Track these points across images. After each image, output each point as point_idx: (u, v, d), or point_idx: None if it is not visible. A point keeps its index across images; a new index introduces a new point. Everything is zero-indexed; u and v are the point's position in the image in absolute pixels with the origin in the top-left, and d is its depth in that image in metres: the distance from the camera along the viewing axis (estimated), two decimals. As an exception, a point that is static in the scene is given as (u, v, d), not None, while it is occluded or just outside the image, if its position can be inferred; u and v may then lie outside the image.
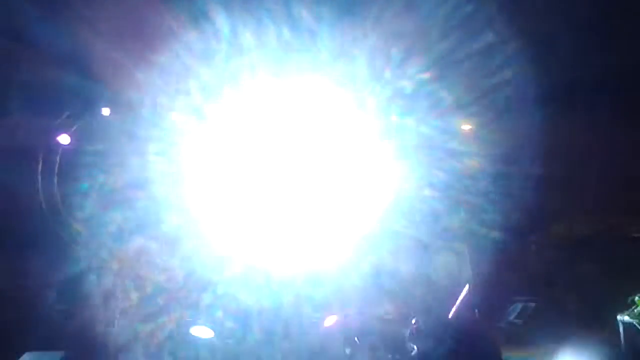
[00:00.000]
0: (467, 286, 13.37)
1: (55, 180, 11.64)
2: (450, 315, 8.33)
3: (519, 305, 9.75)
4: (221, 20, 10.81)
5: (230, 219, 10.88)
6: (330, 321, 8.41)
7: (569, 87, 13.67)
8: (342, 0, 11.12)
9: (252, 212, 10.98)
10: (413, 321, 8.27)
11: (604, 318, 10.03)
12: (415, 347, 7.39)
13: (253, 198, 10.99)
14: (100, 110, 11.97)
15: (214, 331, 9.57)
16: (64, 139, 11.80)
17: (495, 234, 13.44)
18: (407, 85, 12.11)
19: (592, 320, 10.50)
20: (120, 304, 10.10)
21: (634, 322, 8.54)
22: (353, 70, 11.73)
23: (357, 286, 10.23)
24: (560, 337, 9.40)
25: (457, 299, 12.10)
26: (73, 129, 11.92)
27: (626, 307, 8.81)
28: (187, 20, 11.00)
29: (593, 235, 12.84)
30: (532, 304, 9.56)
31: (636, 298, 8.84)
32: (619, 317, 8.58)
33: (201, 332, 9.74)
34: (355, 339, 7.83)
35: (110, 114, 12.01)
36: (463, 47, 11.48)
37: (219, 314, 9.02)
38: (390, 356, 7.39)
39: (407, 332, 8.00)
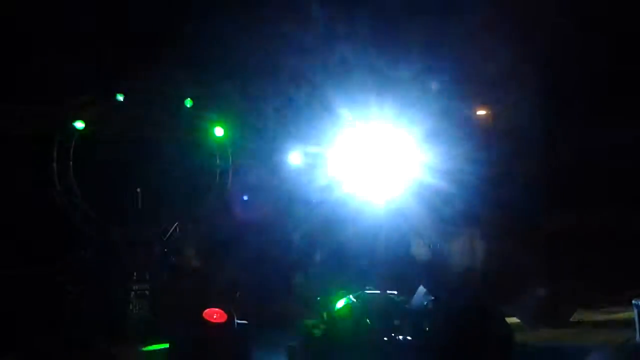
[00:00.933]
0: (480, 270, 13.38)
1: (70, 164, 11.75)
2: (463, 298, 8.30)
3: (532, 290, 9.73)
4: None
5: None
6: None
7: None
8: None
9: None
10: (426, 302, 8.30)
11: (619, 302, 10.03)
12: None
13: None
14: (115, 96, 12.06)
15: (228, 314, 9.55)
16: (79, 124, 11.91)
17: (509, 221, 13.44)
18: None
19: (607, 304, 10.51)
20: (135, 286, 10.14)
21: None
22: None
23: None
24: (574, 322, 9.43)
25: (470, 282, 12.10)
26: (89, 114, 12.04)
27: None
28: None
29: (608, 224, 12.82)
30: (544, 290, 9.53)
31: None
32: (634, 301, 8.53)
33: (214, 315, 9.70)
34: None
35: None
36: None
37: None
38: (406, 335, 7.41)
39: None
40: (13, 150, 11.51)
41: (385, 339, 7.42)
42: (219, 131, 12.81)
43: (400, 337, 7.49)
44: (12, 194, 11.05)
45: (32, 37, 12.35)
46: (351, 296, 7.99)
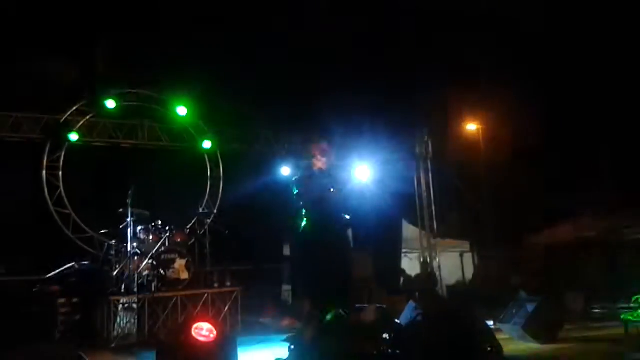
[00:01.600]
0: (468, 283, 13.38)
1: (60, 174, 11.71)
2: (453, 313, 8.29)
3: (521, 303, 9.70)
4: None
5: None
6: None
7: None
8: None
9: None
10: (416, 316, 8.29)
11: (607, 317, 10.05)
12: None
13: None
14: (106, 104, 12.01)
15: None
16: (74, 135, 11.87)
17: (499, 233, 13.49)
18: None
19: (595, 319, 10.52)
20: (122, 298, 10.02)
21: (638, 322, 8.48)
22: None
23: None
24: (562, 336, 9.40)
25: (460, 296, 12.10)
26: (80, 125, 12.01)
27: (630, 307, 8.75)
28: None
29: (597, 235, 12.87)
30: (535, 303, 9.49)
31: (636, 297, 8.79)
32: (622, 317, 8.54)
33: (204, 330, 9.55)
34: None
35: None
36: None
37: None
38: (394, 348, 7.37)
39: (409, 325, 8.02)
40: (7, 158, 11.50)
41: (375, 352, 7.38)
42: (207, 144, 12.82)
43: (390, 351, 7.44)
44: (6, 202, 11.01)
45: (24, 45, 12.37)
46: (340, 310, 7.96)
